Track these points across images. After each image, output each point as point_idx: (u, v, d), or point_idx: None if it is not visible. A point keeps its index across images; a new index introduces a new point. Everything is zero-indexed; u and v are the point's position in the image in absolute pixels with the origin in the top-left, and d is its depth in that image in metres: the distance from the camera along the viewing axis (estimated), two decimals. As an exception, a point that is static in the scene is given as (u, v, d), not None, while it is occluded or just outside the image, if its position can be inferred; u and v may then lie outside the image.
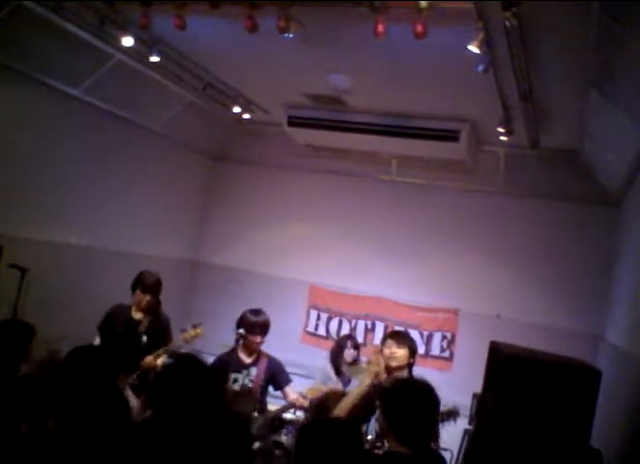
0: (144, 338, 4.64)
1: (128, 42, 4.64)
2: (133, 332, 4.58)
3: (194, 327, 4.67)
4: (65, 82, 5.31)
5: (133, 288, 4.76)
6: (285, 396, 4.58)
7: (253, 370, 4.51)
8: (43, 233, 5.40)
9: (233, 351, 4.53)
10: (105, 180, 6.08)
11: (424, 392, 2.81)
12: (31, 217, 5.27)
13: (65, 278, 5.49)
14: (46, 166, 5.38)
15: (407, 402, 2.71)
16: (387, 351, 4.08)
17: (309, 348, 7.09)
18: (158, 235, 7.04)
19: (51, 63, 5.03)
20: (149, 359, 4.42)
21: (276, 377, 4.58)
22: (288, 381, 4.62)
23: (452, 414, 3.70)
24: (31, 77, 5.00)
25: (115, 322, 4.65)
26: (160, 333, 4.74)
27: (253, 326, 4.47)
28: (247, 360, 4.55)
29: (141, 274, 4.79)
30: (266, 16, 3.86)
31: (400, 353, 4.01)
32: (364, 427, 3.94)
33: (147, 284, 4.72)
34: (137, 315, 4.75)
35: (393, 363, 4.00)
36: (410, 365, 4.09)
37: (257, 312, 4.58)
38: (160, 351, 4.49)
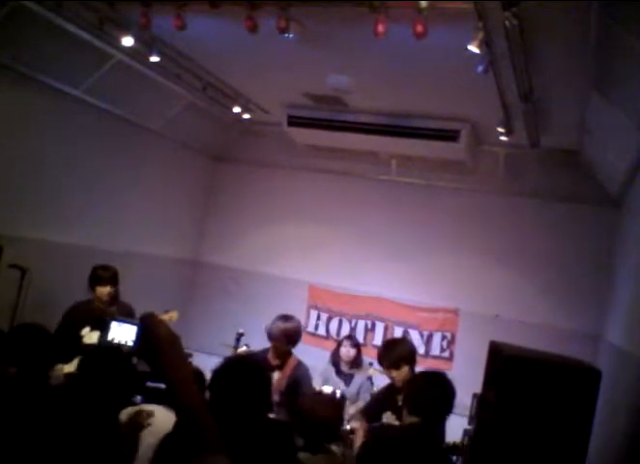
0: None
1: (128, 42, 4.63)
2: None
3: (167, 311, 4.65)
4: (65, 82, 5.31)
5: (91, 284, 4.79)
6: None
7: (276, 374, 4.43)
8: (43, 233, 5.40)
9: (265, 351, 4.52)
10: (105, 180, 6.08)
11: (440, 378, 3.27)
12: (31, 217, 5.27)
13: (65, 278, 5.49)
14: (46, 166, 5.39)
15: (422, 383, 3.23)
16: (387, 374, 4.17)
17: (309, 348, 7.08)
18: (158, 235, 7.04)
19: (51, 63, 5.02)
20: None
21: (299, 387, 4.41)
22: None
23: (454, 449, 3.74)
24: (31, 77, 5.00)
25: (79, 319, 4.67)
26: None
27: (268, 333, 4.51)
28: (274, 362, 4.49)
29: (95, 269, 4.82)
30: (266, 17, 3.86)
31: (402, 374, 4.06)
32: None
33: (105, 277, 4.77)
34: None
35: (398, 384, 4.08)
36: (412, 369, 4.16)
37: (285, 318, 4.55)
38: None
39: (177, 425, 2.05)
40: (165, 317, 4.58)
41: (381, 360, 4.26)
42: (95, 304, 4.80)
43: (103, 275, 4.78)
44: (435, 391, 3.14)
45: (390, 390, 4.27)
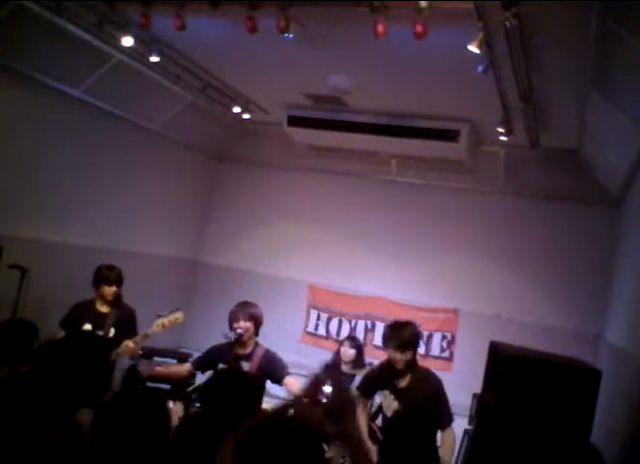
0: (112, 331, 4.70)
1: (128, 42, 4.63)
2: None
3: (172, 312, 4.58)
4: (65, 82, 5.31)
5: (96, 283, 4.78)
6: (289, 388, 4.28)
7: (246, 364, 4.34)
8: (44, 233, 5.40)
9: (230, 343, 4.43)
10: (105, 180, 6.09)
11: None
12: (31, 217, 5.28)
13: (65, 278, 5.49)
14: (46, 166, 5.39)
15: None
16: (392, 356, 3.98)
17: (309, 348, 7.10)
18: (158, 235, 7.04)
19: (51, 63, 5.03)
20: (129, 345, 4.39)
21: (272, 372, 4.34)
22: (285, 373, 4.36)
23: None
24: (31, 77, 5.00)
25: (80, 316, 4.67)
26: (127, 324, 4.78)
27: (231, 313, 4.45)
28: (241, 352, 4.39)
29: (101, 268, 4.81)
30: (266, 17, 3.86)
31: (406, 358, 3.93)
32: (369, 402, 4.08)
33: (111, 277, 4.77)
34: (103, 308, 4.79)
35: (400, 367, 3.96)
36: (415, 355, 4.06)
37: (248, 303, 4.51)
38: (138, 338, 4.45)
39: None
40: (171, 318, 4.56)
41: (387, 340, 4.04)
42: (97, 304, 4.78)
43: (110, 275, 4.76)
44: None
45: (386, 371, 4.09)
